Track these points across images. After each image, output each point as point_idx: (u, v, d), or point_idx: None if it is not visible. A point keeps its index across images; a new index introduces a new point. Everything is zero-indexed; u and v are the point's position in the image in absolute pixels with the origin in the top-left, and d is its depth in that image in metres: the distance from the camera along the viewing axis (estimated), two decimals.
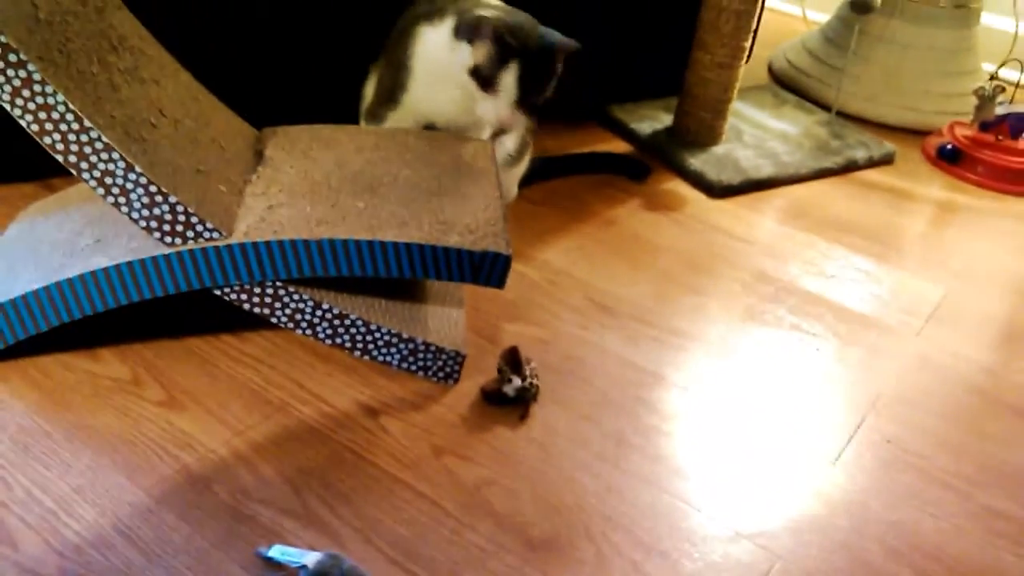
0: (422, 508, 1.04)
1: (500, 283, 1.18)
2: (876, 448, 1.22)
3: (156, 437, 1.09)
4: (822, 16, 2.55)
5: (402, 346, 1.20)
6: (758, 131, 2.02)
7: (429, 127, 1.46)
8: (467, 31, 1.35)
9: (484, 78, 1.35)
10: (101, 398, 1.13)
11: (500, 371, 1.20)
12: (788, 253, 1.64)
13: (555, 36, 1.39)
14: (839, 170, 1.95)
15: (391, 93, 1.45)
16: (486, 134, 1.46)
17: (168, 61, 1.26)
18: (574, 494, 1.08)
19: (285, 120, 1.39)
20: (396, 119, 1.47)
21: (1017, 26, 2.50)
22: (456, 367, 1.21)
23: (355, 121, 1.56)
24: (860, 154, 1.99)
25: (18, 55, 0.97)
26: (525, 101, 1.38)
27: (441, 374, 1.22)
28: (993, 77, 2.12)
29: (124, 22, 1.20)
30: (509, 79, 1.35)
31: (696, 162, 1.85)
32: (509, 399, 1.19)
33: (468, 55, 1.36)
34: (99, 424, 1.10)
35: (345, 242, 1.12)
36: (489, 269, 1.16)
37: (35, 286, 1.11)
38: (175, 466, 1.05)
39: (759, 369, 1.34)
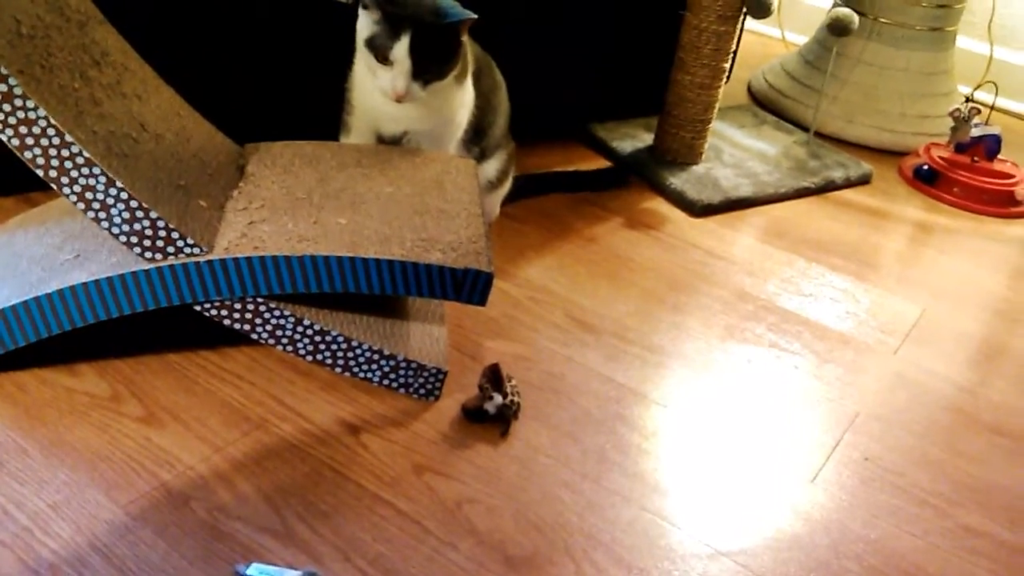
0: (402, 526, 1.03)
1: (482, 300, 1.18)
2: (854, 466, 1.22)
3: (134, 453, 1.08)
4: (801, 38, 2.58)
5: (383, 363, 1.20)
6: (737, 151, 2.04)
7: (379, 139, 1.45)
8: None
9: (377, 48, 1.31)
10: (79, 414, 1.12)
11: (481, 388, 1.20)
12: (767, 271, 1.65)
13: (454, 8, 1.33)
14: (817, 190, 1.97)
15: (347, 95, 1.45)
16: (448, 145, 1.45)
17: (151, 76, 1.26)
18: (555, 512, 1.08)
19: (268, 136, 1.39)
20: (355, 125, 1.46)
21: (992, 49, 2.54)
22: (437, 384, 1.21)
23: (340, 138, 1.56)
24: (838, 174, 2.01)
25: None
26: (422, 74, 1.33)
27: (422, 391, 1.21)
28: (968, 99, 2.15)
29: (107, 37, 1.20)
30: (401, 50, 1.30)
31: (676, 181, 1.86)
32: (490, 416, 1.19)
33: (363, 25, 1.34)
34: (76, 440, 1.09)
35: (326, 258, 1.12)
36: (471, 287, 1.17)
37: (13, 301, 1.10)
38: (153, 483, 1.04)
39: (739, 386, 1.35)
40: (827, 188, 1.99)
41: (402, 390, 1.21)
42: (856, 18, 1.95)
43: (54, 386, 1.16)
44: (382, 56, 1.31)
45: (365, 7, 1.32)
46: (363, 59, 1.36)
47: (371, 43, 1.32)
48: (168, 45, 1.41)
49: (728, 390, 1.34)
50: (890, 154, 2.21)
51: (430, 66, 1.33)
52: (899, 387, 1.40)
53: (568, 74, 1.98)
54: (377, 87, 1.35)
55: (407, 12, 1.30)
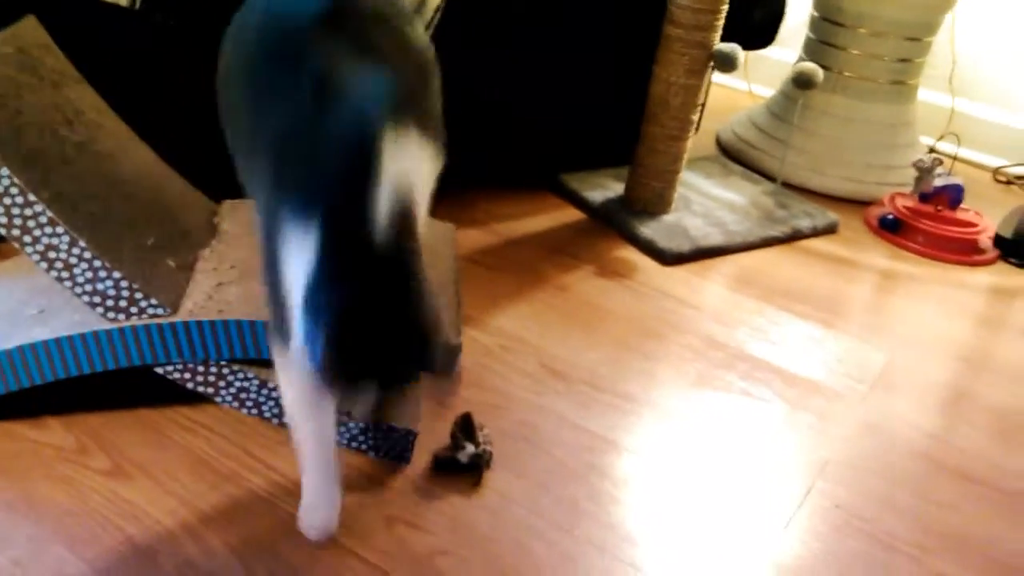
0: None
1: (451, 373, 1.17)
2: (825, 513, 1.23)
3: (101, 507, 1.06)
4: (767, 91, 2.63)
5: (351, 425, 1.18)
6: (707, 200, 2.07)
7: None
8: None
9: None
10: (44, 467, 1.11)
11: (453, 437, 1.20)
12: (737, 319, 1.67)
13: None
14: (785, 239, 2.00)
15: None
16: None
17: (126, 134, 1.26)
18: (527, 563, 1.07)
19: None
20: None
21: (953, 101, 2.60)
22: (408, 446, 1.19)
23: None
24: (805, 223, 2.04)
25: None
26: None
27: (392, 453, 1.19)
28: (931, 150, 2.20)
29: (83, 95, 1.21)
30: None
31: (647, 230, 1.89)
32: (462, 466, 1.18)
33: None
34: (41, 494, 1.07)
35: None
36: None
37: None
38: (119, 537, 1.03)
39: (710, 434, 1.35)
40: (795, 237, 2.02)
41: (372, 453, 1.20)
42: (820, 72, 2.00)
43: (19, 439, 1.14)
44: None
45: None
46: None
47: None
48: (149, 102, 1.42)
49: (700, 438, 1.34)
50: (856, 203, 2.25)
51: None
52: (868, 434, 1.41)
53: (539, 124, 2.01)
54: None
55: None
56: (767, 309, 1.72)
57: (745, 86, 2.86)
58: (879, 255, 2.04)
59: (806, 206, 2.12)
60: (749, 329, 1.65)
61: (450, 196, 1.81)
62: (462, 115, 1.96)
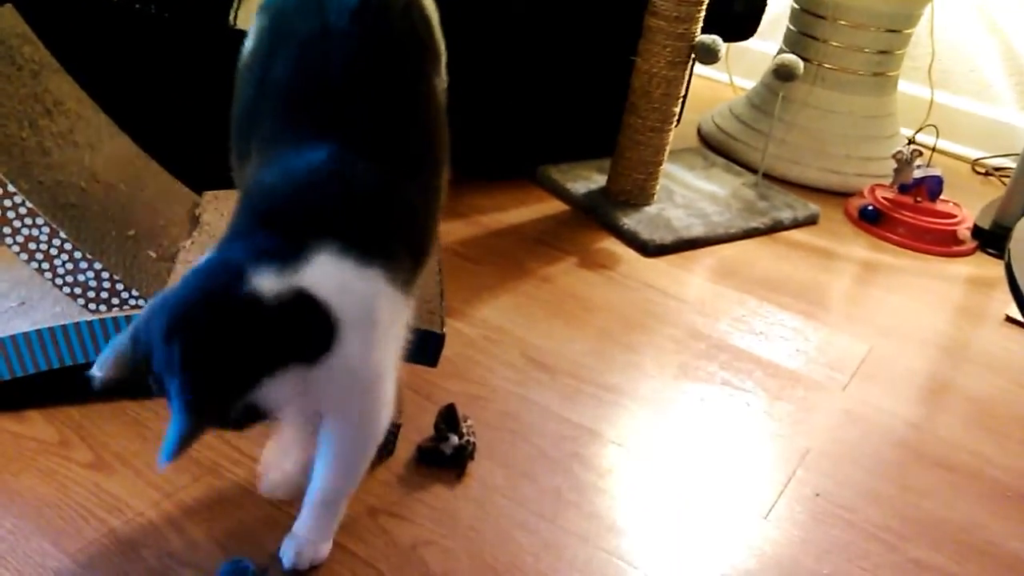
0: (356, 569, 1.02)
1: (433, 362, 1.17)
2: (806, 502, 1.24)
3: (83, 500, 1.06)
4: (749, 83, 2.64)
5: None
6: (689, 192, 2.07)
7: None
8: None
9: None
10: (25, 460, 1.10)
11: (437, 429, 1.20)
12: (719, 310, 1.68)
13: None
14: (766, 230, 2.01)
15: None
16: None
17: (106, 125, 1.25)
18: (511, 553, 1.08)
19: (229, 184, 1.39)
20: None
21: (932, 93, 2.62)
22: (391, 437, 1.19)
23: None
24: (786, 215, 2.05)
25: None
26: None
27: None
28: (911, 141, 2.22)
29: (61, 85, 1.20)
30: None
31: (629, 221, 1.89)
32: (446, 457, 1.18)
33: None
34: (22, 487, 1.06)
35: None
36: (422, 348, 1.14)
37: None
38: (102, 530, 1.02)
39: (692, 425, 1.36)
40: (776, 228, 2.03)
41: None
42: (801, 64, 2.01)
43: (0, 432, 1.14)
44: None
45: None
46: None
47: None
48: (129, 93, 1.41)
49: (682, 428, 1.35)
50: (836, 195, 2.26)
51: None
52: (848, 423, 1.42)
53: (522, 116, 2.01)
54: None
55: None
56: (749, 300, 1.73)
57: (726, 78, 2.87)
58: (859, 246, 2.05)
59: (787, 197, 2.13)
60: (731, 320, 1.66)
61: None
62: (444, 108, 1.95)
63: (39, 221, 1.03)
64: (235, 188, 1.35)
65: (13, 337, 1.08)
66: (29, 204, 1.02)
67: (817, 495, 1.25)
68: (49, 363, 1.10)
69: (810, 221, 2.10)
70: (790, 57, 2.03)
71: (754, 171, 2.19)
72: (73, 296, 1.08)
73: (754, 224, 1.99)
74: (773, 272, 1.86)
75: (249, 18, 1.60)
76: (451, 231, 1.79)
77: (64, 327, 1.08)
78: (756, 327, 1.65)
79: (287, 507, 1.09)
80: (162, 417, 1.19)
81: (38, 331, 1.08)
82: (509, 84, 1.96)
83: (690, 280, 1.78)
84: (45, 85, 1.16)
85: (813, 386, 1.50)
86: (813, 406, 1.45)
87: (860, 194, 2.21)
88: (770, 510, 1.22)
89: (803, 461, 1.32)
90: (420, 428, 1.23)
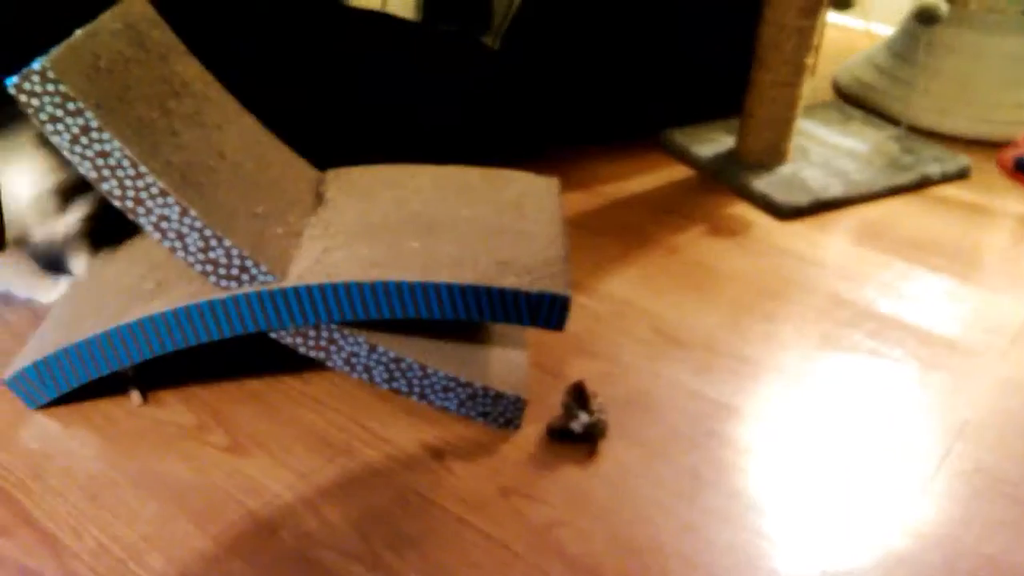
0: (490, 551, 1.01)
1: (559, 325, 1.14)
2: (965, 477, 1.15)
3: (222, 483, 1.08)
4: (887, 29, 2.49)
5: (460, 391, 1.17)
6: (825, 149, 1.97)
7: None
8: None
9: None
10: (167, 444, 1.13)
11: (566, 407, 1.17)
12: (863, 275, 1.58)
13: None
14: (912, 186, 1.88)
15: None
16: None
17: (232, 105, 1.27)
18: (648, 534, 1.04)
19: (351, 161, 1.39)
20: None
21: None
22: (517, 412, 1.18)
23: (414, 160, 1.56)
24: (933, 169, 1.92)
25: (76, 103, 0.99)
26: None
27: (501, 420, 1.18)
28: None
29: (188, 68, 1.22)
30: None
31: (761, 184, 1.80)
32: (576, 436, 1.15)
33: None
34: (165, 471, 1.09)
35: (399, 284, 1.11)
36: (547, 311, 1.13)
37: (97, 331, 1.12)
38: (241, 512, 1.04)
39: (837, 397, 1.29)
40: (922, 184, 1.90)
41: (480, 419, 1.19)
42: (945, 6, 1.87)
43: (142, 417, 1.17)
44: None
45: None
46: None
47: None
48: (253, 73, 1.43)
49: (826, 401, 1.28)
50: (988, 145, 2.10)
51: None
52: (1010, 392, 1.31)
53: (642, 77, 1.95)
54: None
55: None
56: (895, 263, 1.63)
57: (863, 25, 2.71)
58: (1015, 200, 1.90)
59: (934, 150, 1.99)
60: (876, 285, 1.56)
61: (550, 159, 1.78)
62: (562, 74, 1.92)
63: (170, 200, 1.05)
64: (357, 165, 1.37)
65: (152, 317, 1.11)
66: (161, 184, 1.04)
67: (977, 470, 1.16)
68: (187, 341, 1.13)
69: (960, 175, 1.95)
70: None
71: (897, 123, 2.06)
72: (205, 273, 1.10)
73: (899, 181, 1.87)
74: (921, 232, 1.74)
75: None
76: (572, 202, 1.74)
77: (199, 305, 1.10)
78: (905, 292, 1.54)
79: (420, 487, 1.08)
80: (291, 399, 1.21)
81: (174, 310, 1.10)
82: (628, 43, 1.89)
83: (830, 244, 1.68)
84: (173, 67, 1.19)
85: (970, 353, 1.39)
86: (970, 375, 1.35)
87: (1014, 143, 2.05)
88: (926, 486, 1.13)
89: (961, 433, 1.22)
90: (549, 406, 1.20)
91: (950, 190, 1.91)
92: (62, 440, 1.13)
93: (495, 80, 1.79)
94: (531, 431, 1.18)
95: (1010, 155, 2.02)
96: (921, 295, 1.53)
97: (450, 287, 1.11)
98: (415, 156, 1.58)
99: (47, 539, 1.00)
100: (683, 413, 1.23)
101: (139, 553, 0.98)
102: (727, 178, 1.86)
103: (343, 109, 1.67)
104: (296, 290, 1.10)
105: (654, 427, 1.20)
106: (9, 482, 1.08)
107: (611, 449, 1.16)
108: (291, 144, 1.34)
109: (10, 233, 1.05)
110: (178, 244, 1.08)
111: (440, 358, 1.18)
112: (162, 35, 1.21)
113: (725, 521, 1.07)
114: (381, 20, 1.70)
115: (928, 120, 2.15)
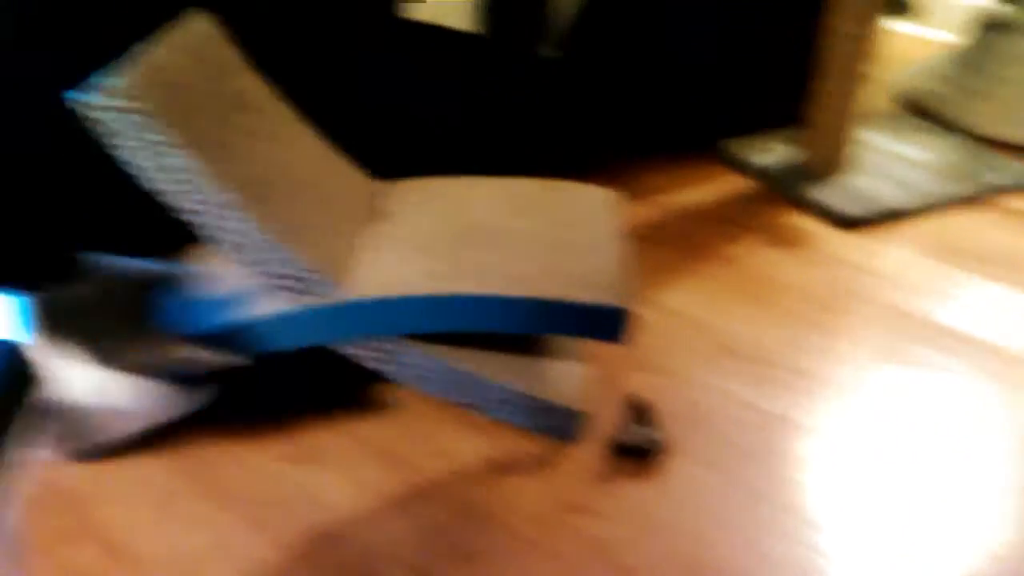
0: (550, 566, 1.02)
1: (617, 338, 1.13)
2: None
3: (286, 494, 1.11)
4: (947, 36, 2.44)
5: (516, 402, 1.18)
6: (886, 159, 1.94)
7: None
8: None
9: None
10: (232, 455, 1.16)
11: (624, 420, 1.18)
12: (923, 286, 1.56)
13: None
14: (976, 196, 1.85)
15: None
16: None
17: (291, 119, 1.30)
18: (706, 549, 1.04)
19: (410, 173, 1.41)
20: None
21: None
22: (573, 425, 1.18)
23: (472, 172, 1.57)
24: (998, 179, 1.88)
25: (149, 119, 1.01)
26: None
27: (558, 432, 1.19)
28: None
29: (250, 82, 1.25)
30: None
31: (820, 194, 1.79)
32: (635, 450, 1.16)
33: None
34: (232, 483, 1.12)
35: (456, 298, 1.12)
36: (604, 324, 1.13)
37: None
38: (305, 522, 1.07)
39: (895, 411, 1.27)
40: (986, 194, 1.86)
41: (537, 431, 1.19)
42: (1012, 13, 1.83)
43: (203, 428, 1.20)
44: None
45: None
46: None
47: None
48: (312, 87, 1.46)
49: (885, 416, 1.26)
50: None
51: None
52: None
53: (700, 87, 1.94)
54: None
55: None
56: (960, 275, 1.60)
57: (924, 32, 2.67)
58: None
59: (999, 159, 1.95)
60: (939, 297, 1.53)
61: (607, 170, 1.78)
62: (620, 85, 1.92)
63: (237, 213, 1.07)
64: (413, 177, 1.38)
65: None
66: (228, 197, 1.07)
67: None
68: (249, 354, 1.15)
69: None
70: (999, 6, 1.85)
71: (960, 132, 2.02)
72: (269, 285, 1.12)
73: (962, 190, 1.84)
74: (985, 242, 1.70)
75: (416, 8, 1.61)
76: (629, 213, 1.75)
77: (265, 318, 1.13)
78: (968, 304, 1.52)
79: (481, 501, 1.10)
80: (353, 411, 1.23)
81: (235, 323, 1.13)
82: (685, 52, 1.89)
83: (889, 254, 1.66)
84: (235, 82, 1.21)
85: None
86: None
87: None
88: (998, 508, 1.11)
89: None
90: (605, 419, 1.21)
91: (1015, 200, 1.87)
92: (128, 448, 1.17)
93: (556, 92, 1.80)
94: (590, 446, 1.19)
95: None
96: (985, 307, 1.51)
97: (507, 300, 1.12)
98: (473, 169, 1.60)
99: (112, 549, 1.04)
100: (740, 426, 1.23)
101: (204, 563, 1.01)
102: (785, 188, 1.85)
103: (401, 122, 1.70)
104: (356, 303, 1.12)
105: (712, 441, 1.20)
106: (73, 490, 1.11)
107: (669, 463, 1.16)
108: (350, 157, 1.36)
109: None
110: (244, 256, 1.10)
111: (496, 370, 1.19)
112: (224, 50, 1.24)
113: (781, 536, 1.06)
114: (437, 33, 1.72)
115: (994, 129, 2.10)
